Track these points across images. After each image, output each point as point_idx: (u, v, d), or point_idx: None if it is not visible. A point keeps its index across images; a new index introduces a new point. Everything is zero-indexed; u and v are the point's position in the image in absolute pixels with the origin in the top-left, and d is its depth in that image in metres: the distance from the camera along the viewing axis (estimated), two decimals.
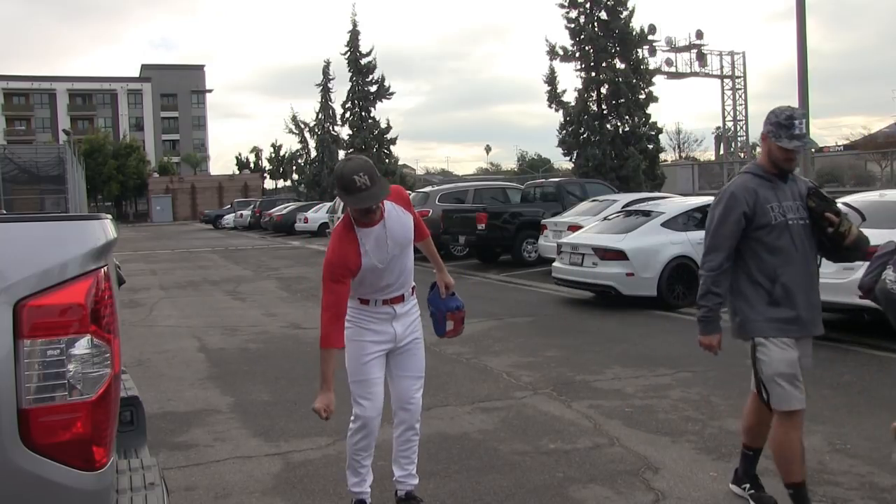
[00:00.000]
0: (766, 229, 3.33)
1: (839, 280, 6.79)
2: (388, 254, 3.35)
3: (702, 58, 50.23)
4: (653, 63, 33.55)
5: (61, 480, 1.64)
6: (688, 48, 49.37)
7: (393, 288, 3.45)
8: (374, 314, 3.45)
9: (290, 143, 73.39)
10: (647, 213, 10.32)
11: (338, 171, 3.23)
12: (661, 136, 28.13)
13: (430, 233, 3.81)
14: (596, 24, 26.15)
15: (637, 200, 12.84)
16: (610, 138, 26.05)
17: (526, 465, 4.24)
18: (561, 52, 26.70)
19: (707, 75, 51.68)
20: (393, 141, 41.06)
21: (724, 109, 53.42)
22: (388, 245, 3.34)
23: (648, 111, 26.54)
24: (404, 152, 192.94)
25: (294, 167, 51.17)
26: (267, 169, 70.53)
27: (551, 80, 27.24)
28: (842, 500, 3.61)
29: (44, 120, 78.59)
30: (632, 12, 26.15)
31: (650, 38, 29.33)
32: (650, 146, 26.70)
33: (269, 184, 70.91)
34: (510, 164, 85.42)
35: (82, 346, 1.67)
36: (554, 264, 10.68)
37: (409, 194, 3.74)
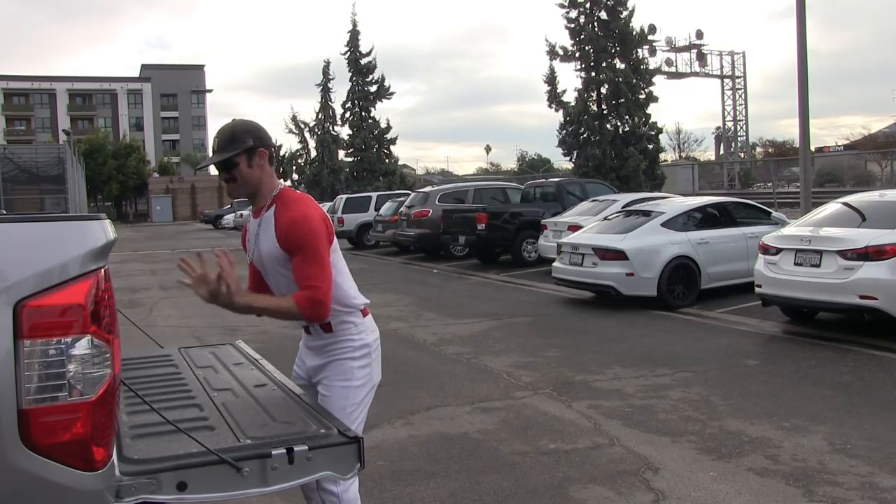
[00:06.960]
0: None
1: (839, 280, 6.81)
2: (250, 254, 2.76)
3: (702, 58, 50.31)
4: (653, 63, 33.67)
5: (61, 480, 1.64)
6: (688, 48, 49.46)
7: None
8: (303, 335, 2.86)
9: (290, 143, 73.51)
10: (647, 213, 10.31)
11: None
12: (661, 136, 28.17)
13: (310, 294, 2.47)
14: (596, 24, 26.18)
15: (637, 200, 12.82)
16: (610, 138, 26.07)
17: (526, 465, 4.24)
18: (561, 52, 26.74)
19: (707, 75, 51.78)
20: (393, 141, 41.04)
21: (724, 109, 53.51)
22: (252, 246, 2.72)
23: (648, 111, 26.58)
24: (404, 152, 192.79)
25: (294, 167, 51.07)
26: None
27: (551, 80, 27.28)
28: (842, 500, 3.61)
29: (44, 120, 78.50)
30: (632, 12, 26.19)
31: (650, 38, 29.39)
32: (650, 146, 26.72)
33: None
34: (510, 164, 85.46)
35: (82, 346, 1.67)
36: (554, 264, 10.67)
37: (307, 216, 2.53)
